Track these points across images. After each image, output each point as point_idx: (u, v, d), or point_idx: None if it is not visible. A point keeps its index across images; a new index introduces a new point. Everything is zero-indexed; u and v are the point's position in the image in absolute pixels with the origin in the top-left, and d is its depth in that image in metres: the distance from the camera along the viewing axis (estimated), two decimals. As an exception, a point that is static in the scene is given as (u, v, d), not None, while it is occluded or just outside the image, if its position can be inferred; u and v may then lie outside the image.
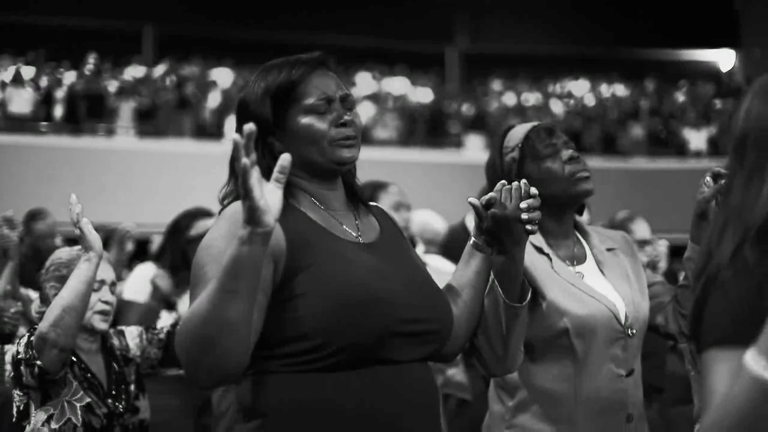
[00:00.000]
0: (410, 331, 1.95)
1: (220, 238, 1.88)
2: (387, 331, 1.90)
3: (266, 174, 1.74)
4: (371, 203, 2.24)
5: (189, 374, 1.80)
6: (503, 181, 2.15)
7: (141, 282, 4.71)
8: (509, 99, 20.57)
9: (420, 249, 5.84)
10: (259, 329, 1.87)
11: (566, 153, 2.67)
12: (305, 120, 2.04)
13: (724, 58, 24.33)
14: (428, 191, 13.67)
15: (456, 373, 4.70)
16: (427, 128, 19.14)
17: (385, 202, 4.16)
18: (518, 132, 2.73)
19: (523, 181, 2.13)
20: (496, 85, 21.36)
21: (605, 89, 21.96)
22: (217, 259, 1.79)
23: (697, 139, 19.33)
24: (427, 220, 5.94)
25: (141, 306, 4.58)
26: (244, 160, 1.63)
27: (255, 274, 1.71)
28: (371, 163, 14.25)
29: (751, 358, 1.23)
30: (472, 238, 2.19)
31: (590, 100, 21.13)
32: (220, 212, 2.01)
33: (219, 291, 1.70)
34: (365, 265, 1.97)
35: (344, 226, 2.06)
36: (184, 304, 4.61)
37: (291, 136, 2.04)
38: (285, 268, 1.90)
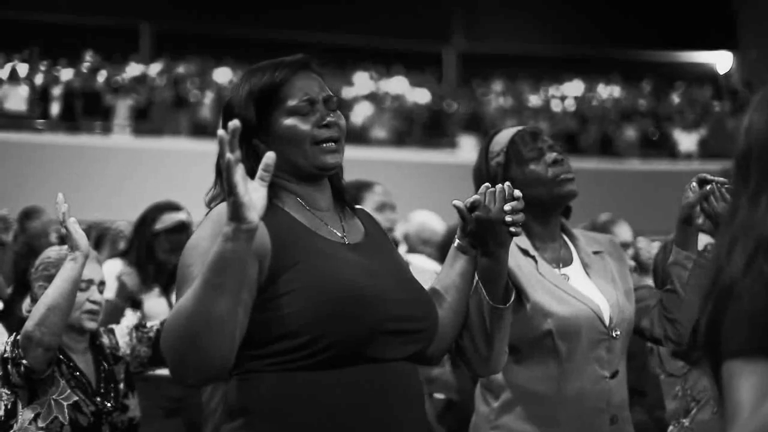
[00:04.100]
0: (397, 329, 1.96)
1: (205, 238, 1.89)
2: (374, 329, 1.91)
3: (251, 176, 1.75)
4: (357, 206, 2.25)
5: (175, 372, 1.80)
6: (487, 184, 2.16)
7: (108, 279, 4.65)
8: (506, 99, 20.59)
9: (402, 249, 5.85)
10: (245, 328, 1.87)
11: (550, 156, 2.69)
12: (288, 121, 2.06)
13: (721, 60, 24.35)
14: (424, 191, 13.68)
15: (443, 372, 4.70)
16: (423, 128, 19.15)
17: (369, 202, 4.14)
18: (503, 136, 2.76)
19: (507, 183, 2.14)
20: (493, 85, 21.38)
21: (602, 90, 21.98)
22: (202, 259, 1.80)
23: (687, 141, 19.37)
24: (425, 220, 5.94)
25: (108, 303, 4.54)
26: (229, 156, 1.64)
27: (240, 270, 1.72)
28: (367, 162, 14.27)
29: None
30: (457, 241, 2.20)
31: (587, 101, 21.14)
32: (207, 214, 2.02)
33: (204, 287, 1.71)
34: (352, 263, 1.98)
35: (330, 227, 2.08)
36: (149, 301, 4.58)
37: (275, 138, 2.05)
38: (270, 267, 1.92)
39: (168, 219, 4.64)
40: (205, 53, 19.49)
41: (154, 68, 18.67)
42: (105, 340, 3.26)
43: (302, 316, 1.88)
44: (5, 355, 2.98)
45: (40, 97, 16.89)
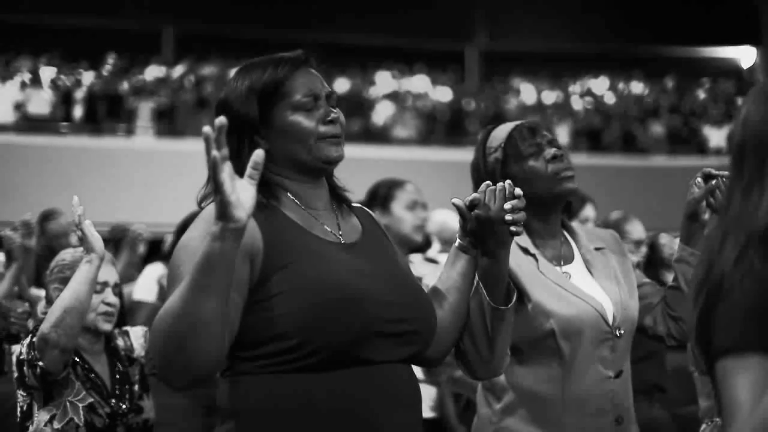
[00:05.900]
0: (391, 331, 1.92)
1: (196, 237, 1.84)
2: (367, 331, 1.87)
3: None
4: (355, 204, 2.21)
5: (162, 373, 1.76)
6: (487, 182, 2.11)
7: (150, 282, 4.69)
8: (528, 97, 20.53)
9: (436, 247, 5.82)
10: (236, 329, 1.84)
11: (549, 152, 2.62)
12: (293, 117, 2.02)
13: (745, 55, 24.19)
14: (447, 190, 13.63)
15: (465, 373, 4.68)
16: (446, 127, 19.12)
17: (401, 200, 4.13)
18: (501, 132, 2.69)
19: (508, 181, 2.09)
20: (516, 83, 21.32)
21: (625, 87, 21.87)
22: (192, 258, 1.74)
23: (717, 136, 19.21)
24: (445, 219, 5.91)
25: (149, 306, 4.57)
26: (215, 153, 1.61)
27: (227, 271, 1.68)
28: (390, 162, 14.23)
29: None
30: (457, 240, 2.16)
31: (610, 98, 21.05)
32: (199, 214, 1.97)
33: (191, 288, 1.67)
34: (345, 264, 1.94)
35: (325, 226, 2.03)
36: None
37: (278, 134, 2.02)
38: (262, 268, 1.88)
39: None
40: (227, 55, 19.54)
41: (177, 70, 18.74)
42: (120, 342, 3.28)
43: (292, 319, 1.84)
44: (21, 357, 2.99)
45: (63, 100, 16.99)
